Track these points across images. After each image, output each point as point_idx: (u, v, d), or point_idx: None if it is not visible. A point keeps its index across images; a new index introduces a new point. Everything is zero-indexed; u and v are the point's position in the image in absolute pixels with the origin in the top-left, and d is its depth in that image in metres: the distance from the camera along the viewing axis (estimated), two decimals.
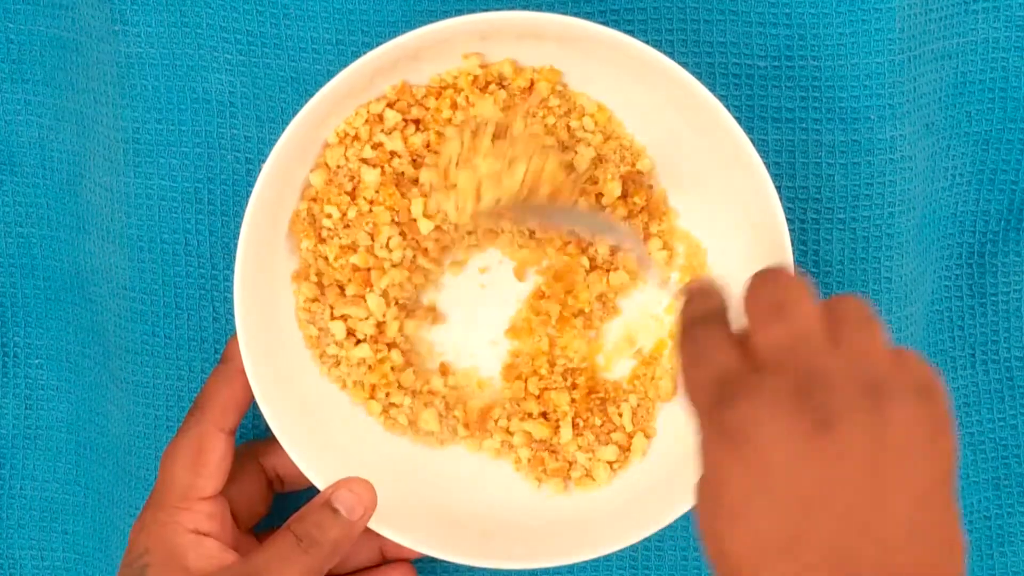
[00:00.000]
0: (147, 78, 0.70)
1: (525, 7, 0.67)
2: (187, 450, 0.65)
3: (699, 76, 0.63)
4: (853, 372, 0.49)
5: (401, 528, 0.67)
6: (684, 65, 0.64)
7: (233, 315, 0.65)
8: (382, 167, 0.67)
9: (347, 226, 0.67)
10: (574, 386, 0.70)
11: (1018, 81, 0.72)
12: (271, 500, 0.69)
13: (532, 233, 0.69)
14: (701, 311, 0.54)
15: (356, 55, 0.67)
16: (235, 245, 0.67)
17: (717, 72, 0.69)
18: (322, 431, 0.68)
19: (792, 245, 0.69)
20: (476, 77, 0.67)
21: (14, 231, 0.75)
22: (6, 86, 0.73)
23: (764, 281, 0.52)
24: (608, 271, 0.70)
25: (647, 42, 0.63)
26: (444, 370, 0.71)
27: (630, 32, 0.66)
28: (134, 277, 0.72)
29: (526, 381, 0.70)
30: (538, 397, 0.70)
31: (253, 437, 0.72)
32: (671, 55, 0.63)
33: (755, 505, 0.48)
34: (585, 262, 0.69)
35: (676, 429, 0.70)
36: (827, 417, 0.48)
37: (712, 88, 0.65)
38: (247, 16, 0.69)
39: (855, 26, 0.68)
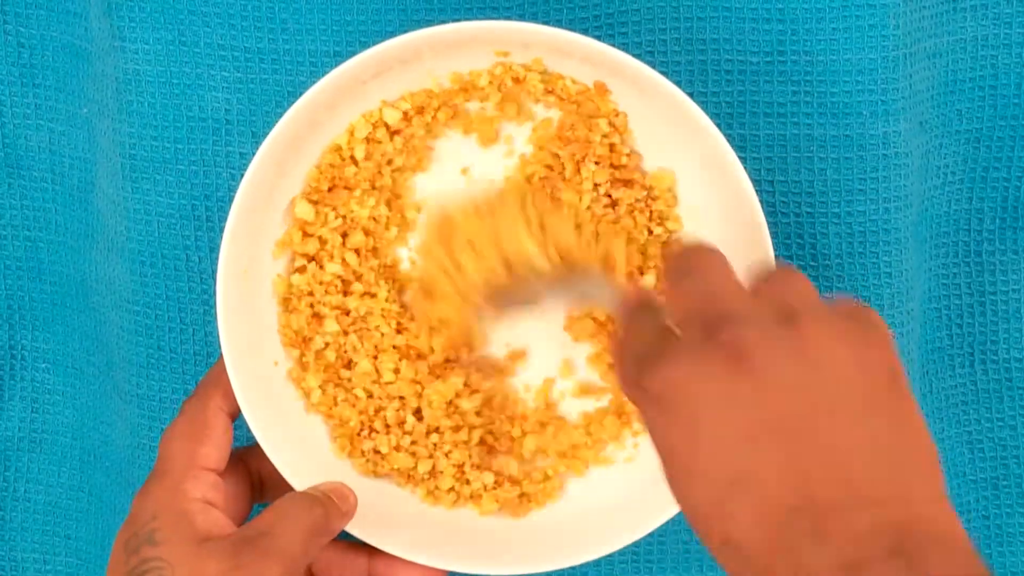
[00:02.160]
0: (143, 95, 0.71)
1: (508, 15, 0.68)
2: (188, 425, 0.64)
3: (691, 73, 0.63)
4: (765, 308, 0.49)
5: (387, 536, 0.67)
6: (676, 63, 0.64)
7: None
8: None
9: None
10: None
11: (1007, 79, 0.72)
12: (252, 505, 0.69)
13: None
14: (635, 303, 0.55)
15: None
16: None
17: (710, 68, 0.69)
18: (305, 439, 0.69)
19: (789, 239, 0.70)
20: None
21: (21, 234, 0.75)
22: (16, 89, 0.74)
23: (677, 252, 0.54)
24: None
25: (640, 42, 0.63)
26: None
27: (623, 33, 0.67)
28: (137, 291, 0.72)
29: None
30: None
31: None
32: (664, 53, 0.63)
33: (700, 456, 0.48)
34: None
35: None
36: (740, 350, 0.48)
37: (704, 84, 0.66)
38: (245, 33, 0.70)
39: (848, 21, 0.68)
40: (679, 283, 0.52)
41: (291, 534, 0.61)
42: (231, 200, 0.70)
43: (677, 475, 0.49)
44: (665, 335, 0.52)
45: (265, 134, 0.70)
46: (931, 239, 0.73)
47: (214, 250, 0.71)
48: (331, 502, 0.64)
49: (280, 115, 0.69)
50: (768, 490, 0.47)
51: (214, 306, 0.70)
